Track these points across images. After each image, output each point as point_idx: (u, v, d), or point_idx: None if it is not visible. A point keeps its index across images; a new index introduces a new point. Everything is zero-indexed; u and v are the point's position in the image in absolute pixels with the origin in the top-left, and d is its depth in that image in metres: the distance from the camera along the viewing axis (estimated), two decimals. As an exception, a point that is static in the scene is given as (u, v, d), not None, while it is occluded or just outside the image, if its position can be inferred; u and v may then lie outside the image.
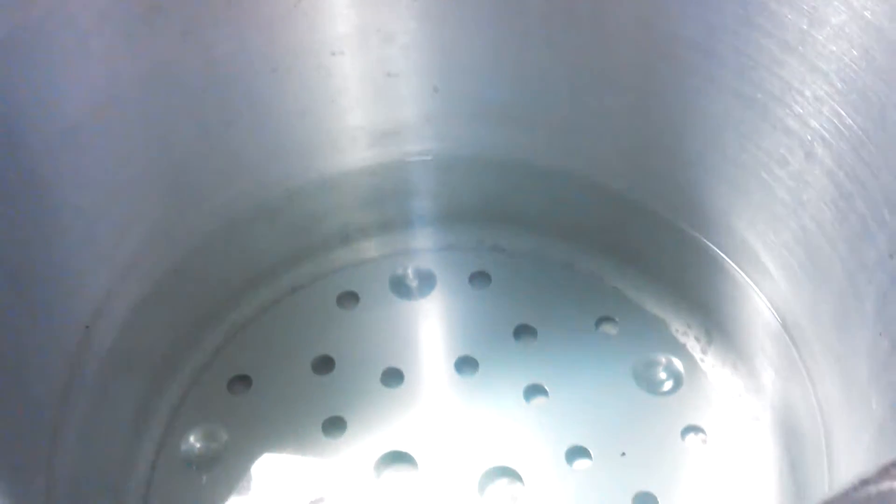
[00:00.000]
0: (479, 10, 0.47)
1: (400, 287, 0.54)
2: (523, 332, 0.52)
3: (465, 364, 0.51)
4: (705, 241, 0.49)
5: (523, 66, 0.48)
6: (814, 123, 0.39)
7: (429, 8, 0.47)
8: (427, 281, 0.55)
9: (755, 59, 0.41)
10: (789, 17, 0.38)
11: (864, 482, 0.20)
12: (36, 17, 0.38)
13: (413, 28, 0.47)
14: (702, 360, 0.50)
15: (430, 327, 0.53)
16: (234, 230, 0.50)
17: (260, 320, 0.53)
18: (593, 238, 0.53)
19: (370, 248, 0.55)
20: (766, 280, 0.46)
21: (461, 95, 0.50)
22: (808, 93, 0.39)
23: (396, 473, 0.48)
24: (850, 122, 0.37)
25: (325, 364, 0.51)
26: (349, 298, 0.54)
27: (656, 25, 0.43)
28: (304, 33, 0.46)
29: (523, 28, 0.47)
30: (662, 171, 0.48)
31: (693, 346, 0.51)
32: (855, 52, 0.36)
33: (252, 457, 0.48)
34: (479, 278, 0.55)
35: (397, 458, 0.48)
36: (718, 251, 0.48)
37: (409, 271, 0.55)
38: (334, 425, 0.49)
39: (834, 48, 0.37)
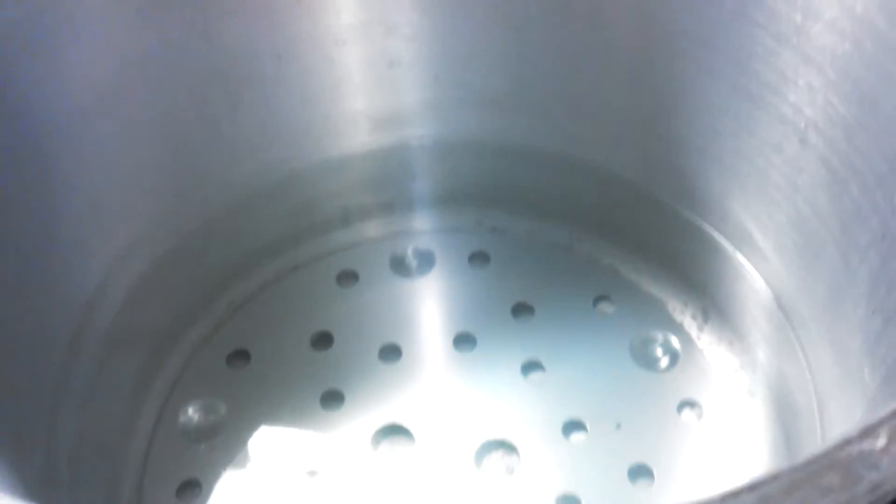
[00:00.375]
0: (479, 1, 0.47)
1: (399, 266, 0.55)
2: (521, 310, 0.53)
3: (464, 340, 0.52)
4: (702, 222, 0.49)
5: (523, 53, 0.49)
6: (808, 112, 0.40)
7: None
8: (426, 260, 0.55)
9: (750, 49, 0.41)
10: (783, 10, 0.39)
11: (847, 441, 0.20)
12: (44, 1, 0.38)
13: (415, 19, 0.48)
14: (698, 338, 0.51)
15: (429, 305, 0.54)
16: (236, 210, 0.51)
17: (260, 297, 0.54)
18: (591, 219, 0.54)
19: (370, 229, 0.56)
20: (761, 260, 0.47)
21: (462, 83, 0.51)
22: (801, 83, 0.40)
23: (393, 446, 0.48)
24: (843, 110, 0.38)
25: (323, 340, 0.52)
26: (349, 277, 0.55)
27: (653, 15, 0.44)
28: (309, 23, 0.47)
29: (523, 17, 0.47)
30: (659, 155, 0.49)
31: (689, 324, 0.51)
32: (847, 45, 0.37)
33: (250, 429, 0.48)
34: (478, 258, 0.55)
35: (394, 431, 0.48)
36: (715, 232, 0.49)
37: (409, 251, 0.55)
38: (332, 399, 0.49)
39: (827, 41, 0.38)
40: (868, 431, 0.20)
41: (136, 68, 0.43)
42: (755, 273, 0.47)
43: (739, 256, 0.47)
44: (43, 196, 0.42)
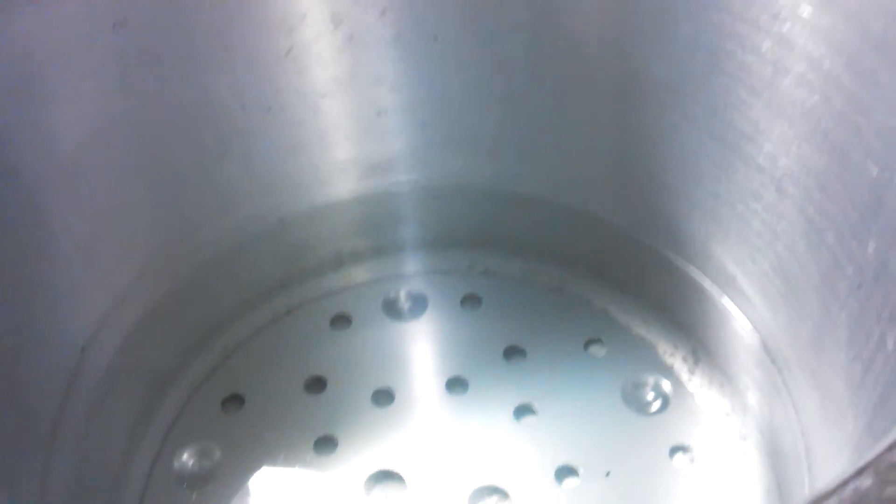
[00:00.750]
0: (464, 52, 0.48)
1: (392, 309, 0.55)
2: (513, 353, 0.53)
3: (456, 384, 0.52)
4: (688, 266, 0.50)
5: (508, 101, 0.50)
6: (783, 162, 0.41)
7: (416, 52, 0.48)
8: (419, 303, 0.56)
9: (725, 101, 0.42)
10: (754, 64, 0.40)
11: (844, 482, 0.20)
12: (36, 64, 0.39)
13: (401, 70, 0.49)
14: (689, 381, 0.51)
15: (422, 348, 0.54)
16: (229, 256, 0.52)
17: (254, 341, 0.54)
18: (581, 262, 0.54)
19: (363, 272, 0.56)
20: (746, 304, 0.47)
21: (449, 129, 0.52)
22: (775, 133, 0.40)
23: (386, 491, 0.48)
24: (816, 160, 0.38)
25: (317, 384, 0.52)
26: (342, 320, 0.55)
27: (632, 66, 0.45)
28: (296, 76, 0.48)
29: (507, 68, 0.48)
30: (645, 200, 0.49)
31: (680, 367, 0.51)
32: (816, 98, 0.38)
33: (245, 474, 0.49)
34: (470, 301, 0.56)
35: (387, 476, 0.48)
36: (701, 276, 0.49)
37: (402, 294, 0.56)
38: (326, 444, 0.50)
39: (797, 94, 0.39)
40: (820, 499, 0.20)
41: (129, 120, 0.44)
42: (741, 317, 0.47)
43: (725, 300, 0.48)
44: (37, 246, 0.42)
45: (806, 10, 0.35)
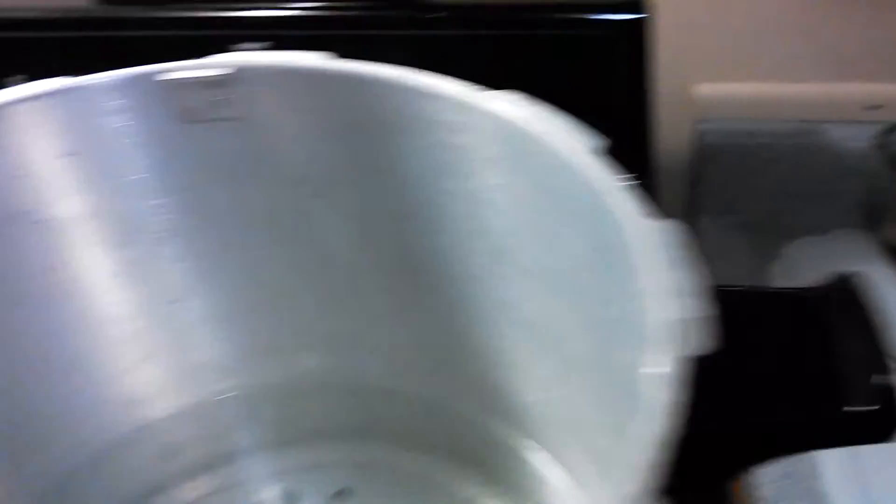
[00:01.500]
0: (300, 253, 0.50)
1: (265, 509, 0.55)
2: (386, 548, 0.52)
3: (326, 587, 0.51)
4: (537, 456, 0.50)
5: (346, 301, 0.51)
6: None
7: (257, 258, 0.50)
8: (291, 501, 0.55)
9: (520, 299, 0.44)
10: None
11: None
12: None
13: (241, 273, 0.51)
14: (559, 568, 0.50)
15: (294, 550, 0.53)
16: (90, 467, 0.51)
17: (122, 553, 0.53)
18: (445, 449, 0.54)
19: (234, 473, 0.56)
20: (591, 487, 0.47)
21: (299, 328, 0.53)
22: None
23: None
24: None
25: None
26: (212, 524, 0.54)
27: (414, 266, 0.48)
28: (138, 288, 0.49)
29: (330, 269, 0.50)
30: (478, 386, 0.50)
31: (551, 555, 0.51)
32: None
33: None
34: (343, 494, 0.55)
35: None
36: (551, 460, 0.49)
37: (274, 492, 0.55)
38: None
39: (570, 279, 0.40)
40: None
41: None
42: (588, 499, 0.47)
43: (575, 486, 0.47)
44: None
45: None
